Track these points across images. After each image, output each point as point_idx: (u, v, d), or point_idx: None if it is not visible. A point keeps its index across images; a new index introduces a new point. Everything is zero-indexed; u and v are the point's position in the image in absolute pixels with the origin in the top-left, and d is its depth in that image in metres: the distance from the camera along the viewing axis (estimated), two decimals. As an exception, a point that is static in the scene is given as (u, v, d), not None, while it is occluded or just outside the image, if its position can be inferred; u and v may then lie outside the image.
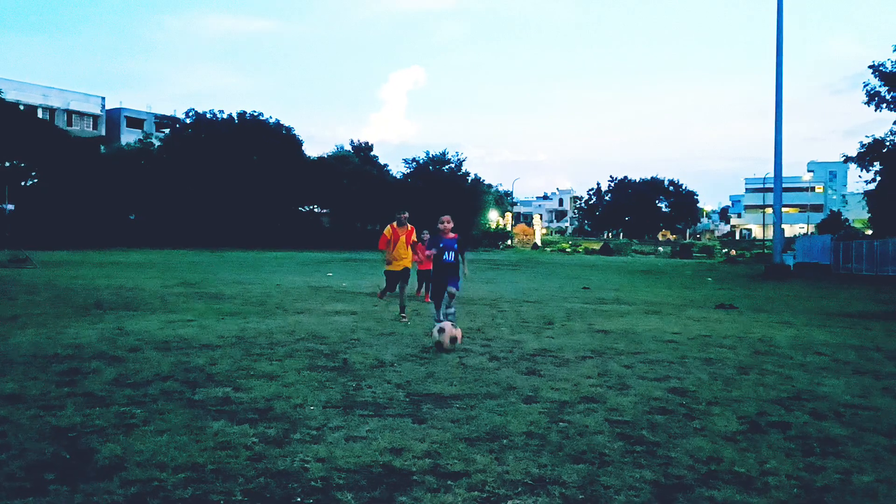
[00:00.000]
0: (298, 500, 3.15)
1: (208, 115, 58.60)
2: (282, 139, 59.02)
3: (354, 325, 9.69)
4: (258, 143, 56.42)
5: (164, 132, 61.71)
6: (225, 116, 58.85)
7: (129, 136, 70.73)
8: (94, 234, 45.29)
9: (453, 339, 7.52)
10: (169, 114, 64.43)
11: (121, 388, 5.30)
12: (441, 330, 7.58)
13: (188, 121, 58.86)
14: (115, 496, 3.14)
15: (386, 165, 71.80)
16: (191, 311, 10.65)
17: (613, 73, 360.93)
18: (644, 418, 4.87)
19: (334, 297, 14.17)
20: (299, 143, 60.99)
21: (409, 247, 11.36)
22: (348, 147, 75.13)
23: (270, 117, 60.17)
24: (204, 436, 4.11)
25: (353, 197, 59.75)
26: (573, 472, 3.65)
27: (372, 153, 73.30)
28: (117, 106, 78.43)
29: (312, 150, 76.48)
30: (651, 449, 4.12)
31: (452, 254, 8.82)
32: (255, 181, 54.52)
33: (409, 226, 11.34)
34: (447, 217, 9.03)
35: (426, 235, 14.64)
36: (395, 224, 11.23)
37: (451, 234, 8.96)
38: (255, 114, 59.52)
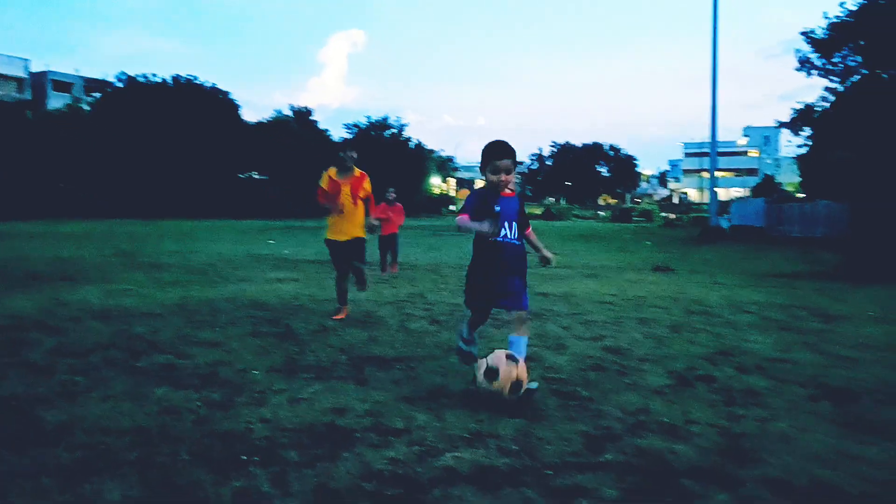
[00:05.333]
0: (244, 458, 3.25)
1: (141, 79, 56.81)
2: (218, 104, 57.66)
3: (297, 291, 9.72)
4: (194, 108, 54.98)
5: (93, 96, 59.59)
6: (159, 80, 57.18)
7: (56, 102, 67.79)
8: (21, 203, 43.66)
9: (516, 385, 4.16)
10: (99, 78, 62.28)
11: (62, 358, 5.28)
12: (492, 371, 4.19)
13: (120, 85, 56.96)
14: (62, 460, 3.19)
15: (326, 130, 70.79)
16: (130, 281, 10.52)
17: (554, 41, 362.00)
18: (579, 375, 5.09)
19: (276, 265, 14.12)
20: (237, 108, 59.73)
21: (358, 202, 7.49)
22: (287, 112, 74.01)
23: (206, 82, 58.75)
24: (148, 401, 4.16)
25: (294, 163, 58.95)
26: (509, 426, 3.83)
27: (312, 118, 72.18)
28: (43, 69, 75.31)
29: (250, 115, 74.64)
30: (584, 404, 4.32)
31: (514, 227, 4.66)
32: (191, 148, 53.23)
33: (356, 171, 7.51)
34: (506, 157, 4.56)
35: (392, 195, 13.33)
36: (333, 170, 7.47)
37: (510, 191, 4.71)
38: (191, 77, 57.98)
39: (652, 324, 7.49)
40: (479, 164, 4.67)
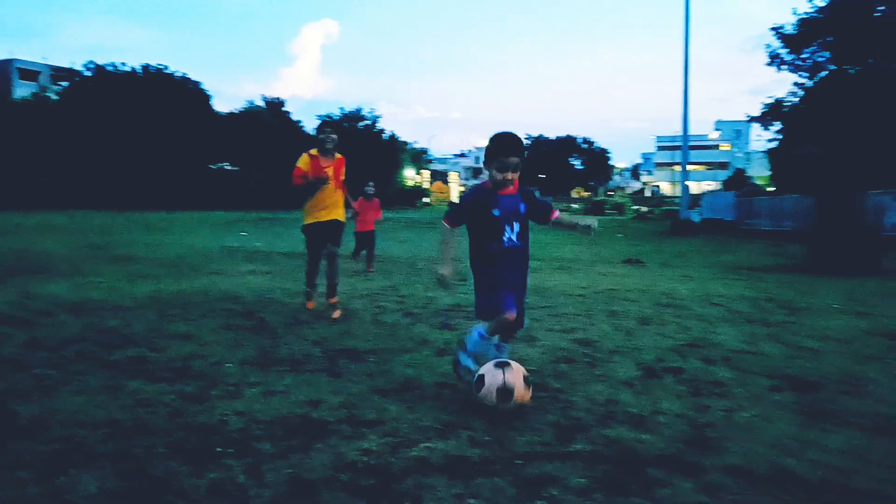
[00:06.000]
0: (219, 450, 3.29)
1: (109, 68, 55.94)
2: (189, 94, 57.06)
3: (270, 284, 9.72)
4: (164, 98, 54.31)
5: (61, 85, 58.59)
6: (128, 70, 56.37)
7: (22, 90, 66.59)
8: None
9: (505, 394, 3.88)
10: (67, 66, 61.24)
11: (35, 352, 5.26)
12: (487, 382, 3.93)
13: (88, 74, 56.04)
14: (38, 453, 3.21)
15: (299, 122, 70.33)
16: (101, 274, 10.45)
17: (528, 34, 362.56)
18: (549, 367, 5.18)
19: (249, 258, 14.09)
20: (208, 98, 59.13)
21: (340, 187, 7.36)
22: (260, 103, 73.34)
23: (177, 71, 58.09)
24: (122, 394, 4.17)
25: (266, 154, 58.53)
26: (481, 417, 3.89)
27: (284, 109, 71.63)
28: (8, 57, 73.88)
29: (222, 106, 74.16)
30: (554, 395, 4.41)
31: (517, 228, 4.27)
32: (161, 138, 52.60)
33: (337, 155, 7.32)
34: (516, 155, 4.16)
35: (371, 189, 13.04)
36: (314, 151, 7.23)
37: (512, 188, 4.26)
38: (161, 67, 57.27)
39: (622, 316, 7.60)
40: (484, 157, 4.26)
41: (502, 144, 4.16)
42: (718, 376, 4.99)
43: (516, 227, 4.26)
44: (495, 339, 4.42)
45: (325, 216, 7.22)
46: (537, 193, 4.44)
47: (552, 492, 2.92)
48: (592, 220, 4.50)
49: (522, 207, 4.29)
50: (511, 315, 4.19)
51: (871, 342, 6.37)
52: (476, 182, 4.47)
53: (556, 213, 4.44)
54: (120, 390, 4.27)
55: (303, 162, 7.16)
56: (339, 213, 7.35)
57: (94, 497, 2.78)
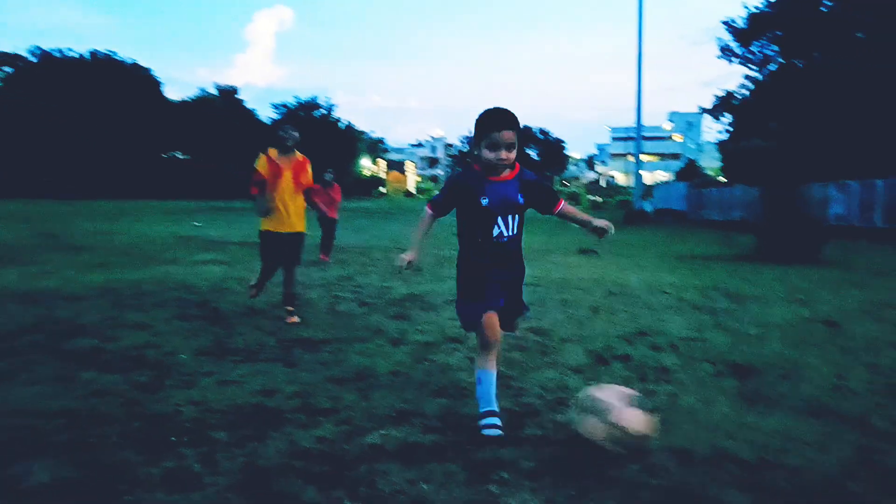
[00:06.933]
0: (174, 439, 3.32)
1: (55, 54, 54.60)
2: (139, 80, 56.05)
3: (225, 274, 9.67)
4: (113, 84, 53.24)
5: (4, 71, 57.01)
6: (76, 56, 55.07)
7: (-37, 76, 64.56)
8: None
9: (619, 433, 3.18)
10: (10, 52, 59.57)
11: (-17, 342, 5.20)
12: (603, 414, 3.22)
13: (33, 59, 54.61)
14: (-9, 442, 3.21)
15: (254, 110, 69.51)
16: (51, 263, 10.28)
17: (484, 24, 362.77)
18: (503, 355, 5.26)
19: (203, 247, 13.96)
20: (158, 85, 58.12)
21: (302, 191, 6.60)
22: (213, 90, 72.17)
23: (127, 58, 56.98)
24: (75, 385, 4.17)
25: (220, 142, 57.76)
26: (434, 405, 3.99)
27: (237, 97, 70.59)
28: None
29: (175, 93, 72.89)
30: (507, 382, 4.50)
31: (513, 223, 3.68)
32: (112, 126, 51.60)
33: (298, 154, 6.58)
34: (508, 128, 3.52)
35: (330, 175, 12.52)
36: (273, 152, 6.48)
37: (509, 173, 3.68)
38: (109, 53, 56.11)
39: (574, 305, 7.75)
40: (472, 139, 3.67)
41: (492, 117, 3.54)
42: (665, 363, 5.15)
43: (511, 221, 3.63)
44: (493, 366, 3.67)
45: (284, 227, 6.47)
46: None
47: (503, 475, 3.02)
48: (607, 223, 3.76)
49: (521, 198, 3.65)
50: (489, 324, 3.61)
51: (810, 329, 6.62)
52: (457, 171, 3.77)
53: (562, 204, 3.81)
54: (73, 381, 4.26)
55: (260, 164, 6.43)
56: (300, 224, 6.60)
57: (47, 486, 2.80)
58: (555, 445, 3.38)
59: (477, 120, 3.58)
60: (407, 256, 3.64)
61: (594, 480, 2.98)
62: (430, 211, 3.72)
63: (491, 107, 3.58)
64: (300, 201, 6.59)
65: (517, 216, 3.66)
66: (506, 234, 3.62)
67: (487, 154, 3.53)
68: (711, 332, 6.38)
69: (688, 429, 3.65)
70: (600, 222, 3.75)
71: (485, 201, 3.56)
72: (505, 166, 3.59)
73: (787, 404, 4.13)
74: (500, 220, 3.58)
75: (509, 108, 3.58)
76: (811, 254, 13.81)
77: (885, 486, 2.97)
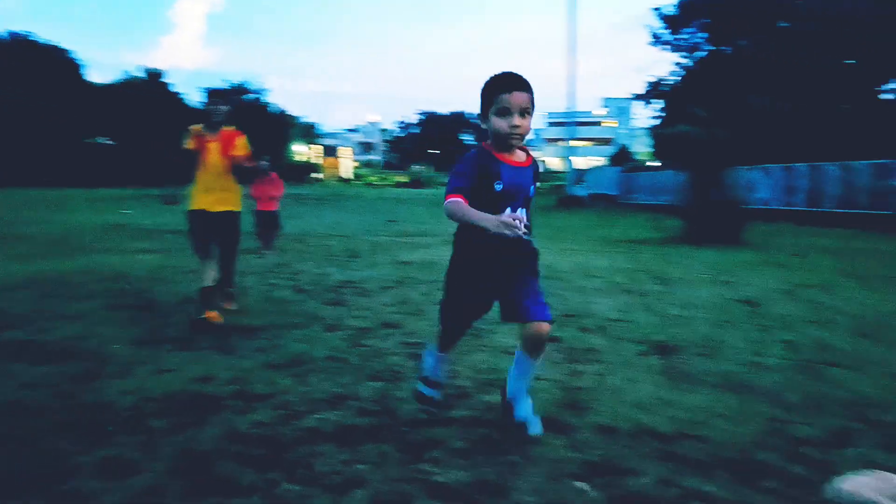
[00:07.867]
0: (110, 428, 3.34)
1: (-36, 35, 52.36)
2: (58, 63, 54.07)
3: (159, 262, 9.56)
4: (30, 67, 51.24)
5: None
6: (-8, 37, 52.92)
7: None
8: None
9: None
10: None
11: None
12: None
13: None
14: (-82, 437, 3.18)
15: (181, 94, 67.55)
16: (-27, 254, 9.98)
17: (420, 9, 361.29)
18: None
19: (136, 236, 13.72)
20: (79, 68, 56.21)
21: (232, 167, 5.96)
22: (138, 73, 69.96)
23: (46, 39, 54.91)
24: (4, 377, 4.13)
25: (146, 127, 56.13)
26: (369, 388, 4.09)
27: (164, 80, 68.63)
28: None
29: (100, 76, 70.50)
30: (440, 365, 4.63)
31: (523, 215, 3.18)
32: (28, 111, 49.60)
33: (227, 128, 6.05)
34: (521, 89, 3.04)
35: (265, 163, 9.97)
36: (198, 127, 6.00)
37: (523, 158, 3.24)
38: (25, 34, 54.01)
39: (508, 289, 7.91)
40: (479, 110, 3.18)
41: (500, 79, 3.09)
42: (592, 344, 5.35)
43: (521, 213, 3.18)
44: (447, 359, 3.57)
45: (213, 205, 5.89)
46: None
47: (434, 454, 3.14)
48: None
49: (532, 190, 3.27)
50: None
51: (731, 309, 6.93)
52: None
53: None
54: (3, 374, 4.21)
55: (188, 141, 5.98)
56: (232, 201, 6.03)
57: (-17, 478, 2.80)
58: (485, 426, 3.51)
59: (483, 87, 3.14)
60: (503, 219, 2.86)
61: (520, 456, 3.13)
62: (459, 199, 3.00)
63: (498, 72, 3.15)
64: (229, 179, 6.00)
65: (525, 210, 3.22)
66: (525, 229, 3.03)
67: (498, 122, 3.06)
68: (638, 314, 6.62)
69: (613, 406, 3.84)
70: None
71: (498, 186, 3.10)
72: (520, 139, 3.13)
73: (707, 381, 4.36)
74: (508, 210, 3.10)
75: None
76: (735, 236, 14.34)
77: (793, 455, 3.19)
